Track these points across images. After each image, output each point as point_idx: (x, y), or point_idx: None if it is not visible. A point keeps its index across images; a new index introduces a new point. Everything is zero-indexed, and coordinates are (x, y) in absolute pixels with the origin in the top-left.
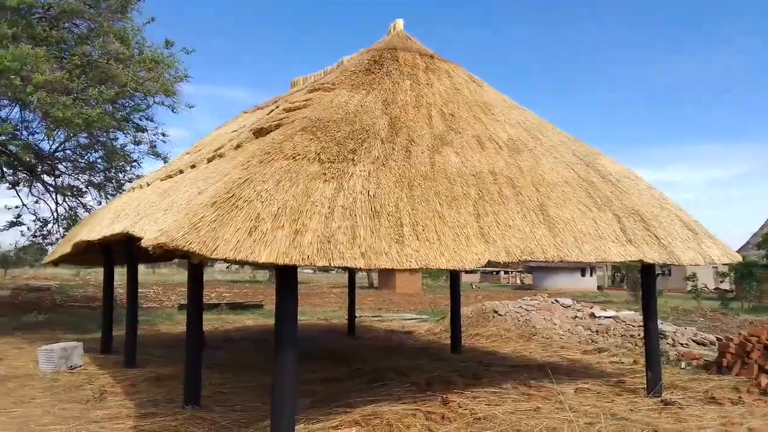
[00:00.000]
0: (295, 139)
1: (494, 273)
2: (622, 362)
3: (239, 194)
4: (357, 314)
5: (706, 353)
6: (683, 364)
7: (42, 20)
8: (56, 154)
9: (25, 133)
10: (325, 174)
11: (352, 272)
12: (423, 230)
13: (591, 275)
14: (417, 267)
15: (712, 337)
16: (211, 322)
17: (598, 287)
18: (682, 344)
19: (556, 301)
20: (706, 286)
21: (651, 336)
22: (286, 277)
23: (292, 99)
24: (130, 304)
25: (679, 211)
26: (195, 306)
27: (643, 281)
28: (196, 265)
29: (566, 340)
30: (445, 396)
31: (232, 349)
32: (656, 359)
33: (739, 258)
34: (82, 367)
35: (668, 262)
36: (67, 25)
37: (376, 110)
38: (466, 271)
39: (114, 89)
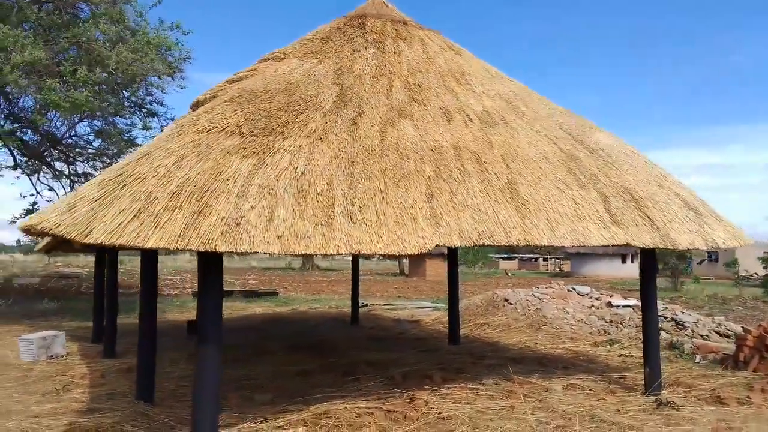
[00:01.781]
0: (216, 111)
1: (533, 260)
2: (632, 355)
3: (131, 171)
4: (369, 302)
5: (725, 346)
6: (698, 358)
7: (33, 3)
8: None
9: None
10: (244, 149)
11: (355, 258)
12: (360, 211)
13: (633, 261)
14: (347, 252)
15: (739, 328)
16: None
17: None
18: (702, 336)
19: (573, 288)
20: (756, 273)
21: (649, 327)
22: (208, 265)
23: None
24: (109, 293)
25: (680, 189)
26: (147, 296)
27: (642, 266)
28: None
29: (577, 330)
30: (412, 393)
31: (225, 339)
32: (655, 353)
33: (749, 240)
34: (64, 357)
35: (661, 246)
36: (58, 7)
37: (324, 80)
38: (504, 258)
39: (103, 72)
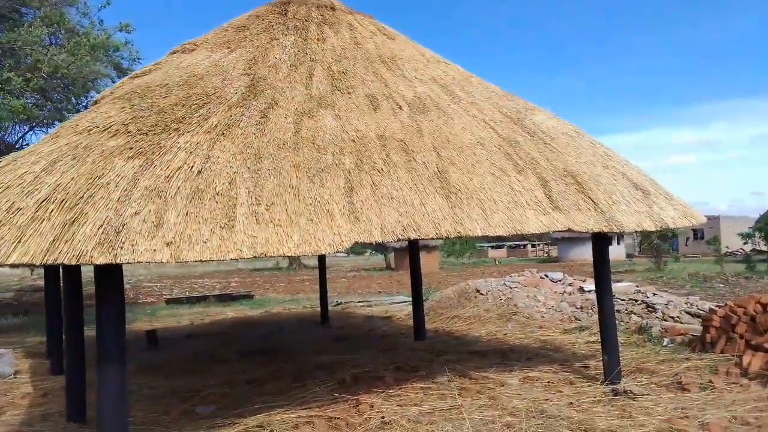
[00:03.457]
0: (101, 110)
1: (522, 247)
2: (600, 341)
3: None
4: (344, 300)
5: (694, 327)
6: (666, 342)
7: None
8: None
9: None
10: (130, 149)
11: (321, 256)
12: (267, 210)
13: (618, 243)
14: (250, 255)
15: (712, 307)
16: (191, 315)
17: (627, 255)
18: (673, 318)
19: (546, 275)
20: (741, 249)
21: (605, 313)
22: (104, 277)
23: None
24: (54, 307)
25: (627, 168)
26: (71, 312)
27: (594, 250)
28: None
29: (548, 318)
30: (358, 398)
31: (183, 348)
32: (613, 340)
33: (701, 219)
34: (11, 376)
35: (606, 230)
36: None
37: (234, 71)
38: (492, 247)
39: (42, 78)
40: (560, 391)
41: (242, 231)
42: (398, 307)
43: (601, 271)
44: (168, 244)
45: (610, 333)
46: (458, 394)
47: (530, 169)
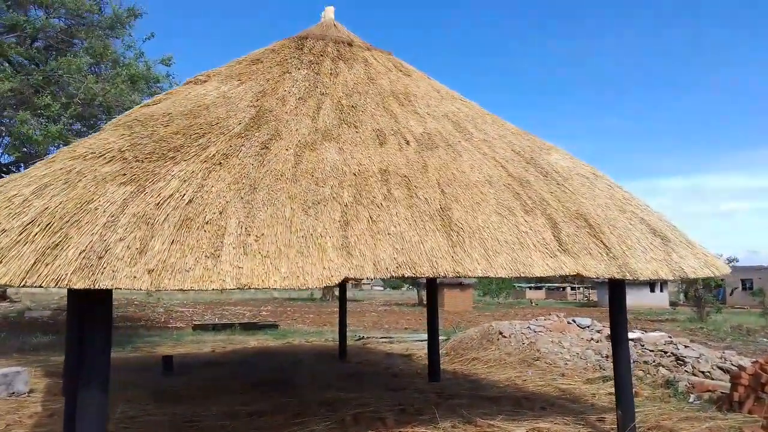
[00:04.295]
0: (101, 136)
1: (561, 289)
2: None
3: None
4: (366, 335)
5: (722, 384)
6: (692, 398)
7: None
8: None
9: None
10: (124, 175)
11: (342, 286)
12: (256, 241)
13: (661, 290)
14: (233, 286)
15: (741, 364)
16: (214, 343)
17: (671, 303)
18: (704, 372)
19: (573, 321)
20: None
21: (620, 364)
22: (90, 302)
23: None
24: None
25: (646, 213)
26: (71, 336)
27: (610, 297)
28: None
29: (571, 365)
30: None
31: (197, 375)
32: (627, 395)
33: (725, 270)
34: (26, 395)
35: (617, 276)
36: (49, 44)
37: (240, 102)
38: (531, 287)
39: (80, 104)
40: None
41: (228, 261)
42: (420, 345)
43: (617, 318)
44: (149, 272)
45: (625, 386)
46: None
47: (539, 210)
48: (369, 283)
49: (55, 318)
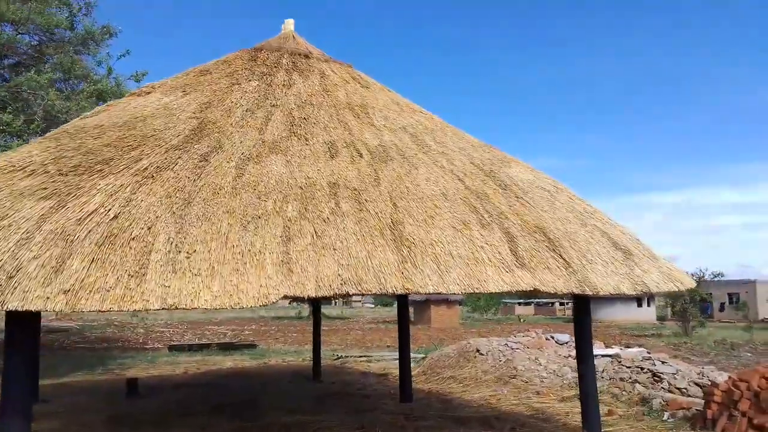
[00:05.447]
0: (26, 149)
1: (550, 304)
2: None
3: None
4: (344, 354)
5: (697, 401)
6: (666, 416)
7: None
8: None
9: None
10: (44, 189)
11: (316, 304)
12: (187, 258)
13: (648, 305)
14: (157, 307)
15: (714, 380)
16: (189, 364)
17: (659, 318)
18: (680, 389)
19: (551, 337)
20: None
21: (586, 382)
22: (14, 327)
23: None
24: None
25: (608, 227)
26: None
27: (575, 315)
28: None
29: (548, 383)
30: None
31: (162, 398)
32: (594, 413)
33: (690, 283)
34: None
35: (576, 291)
36: (9, 60)
37: (182, 114)
38: (520, 303)
39: (41, 121)
40: None
41: (154, 280)
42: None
43: (582, 334)
44: (65, 292)
45: (591, 405)
46: None
47: (496, 224)
48: (360, 301)
49: None
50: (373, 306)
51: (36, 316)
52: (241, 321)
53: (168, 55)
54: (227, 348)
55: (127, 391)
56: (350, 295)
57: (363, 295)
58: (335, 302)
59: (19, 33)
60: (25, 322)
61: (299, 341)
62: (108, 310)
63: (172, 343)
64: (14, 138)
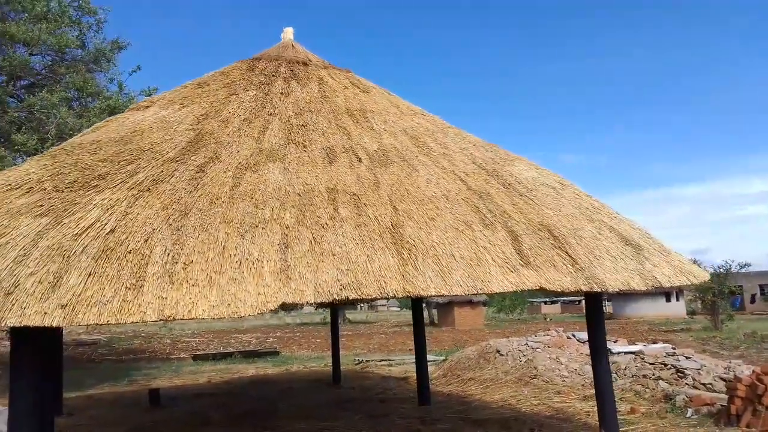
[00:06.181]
0: (23, 167)
1: (577, 302)
2: (619, 411)
3: None
4: (365, 359)
5: (721, 397)
6: (689, 412)
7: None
8: None
9: None
10: (41, 206)
11: (334, 308)
12: (184, 269)
13: (678, 299)
14: (155, 318)
15: (737, 374)
16: (212, 373)
17: (689, 312)
18: (705, 385)
19: (573, 335)
20: None
21: (601, 381)
22: (17, 342)
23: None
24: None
25: (617, 222)
26: None
27: (586, 311)
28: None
29: (569, 382)
30: None
31: (183, 408)
32: (611, 411)
33: (704, 276)
34: None
35: (584, 289)
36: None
37: (179, 126)
38: (545, 302)
39: (55, 140)
40: None
41: (151, 292)
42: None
43: (595, 331)
44: (62, 307)
45: (607, 404)
46: None
47: (500, 223)
48: (385, 305)
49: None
50: (398, 310)
51: (42, 333)
52: (266, 328)
53: (182, 68)
54: (250, 356)
55: (149, 401)
56: (373, 300)
57: (387, 299)
58: (360, 307)
59: (32, 54)
60: (29, 340)
61: (323, 347)
62: (106, 323)
63: (197, 352)
64: (29, 157)
